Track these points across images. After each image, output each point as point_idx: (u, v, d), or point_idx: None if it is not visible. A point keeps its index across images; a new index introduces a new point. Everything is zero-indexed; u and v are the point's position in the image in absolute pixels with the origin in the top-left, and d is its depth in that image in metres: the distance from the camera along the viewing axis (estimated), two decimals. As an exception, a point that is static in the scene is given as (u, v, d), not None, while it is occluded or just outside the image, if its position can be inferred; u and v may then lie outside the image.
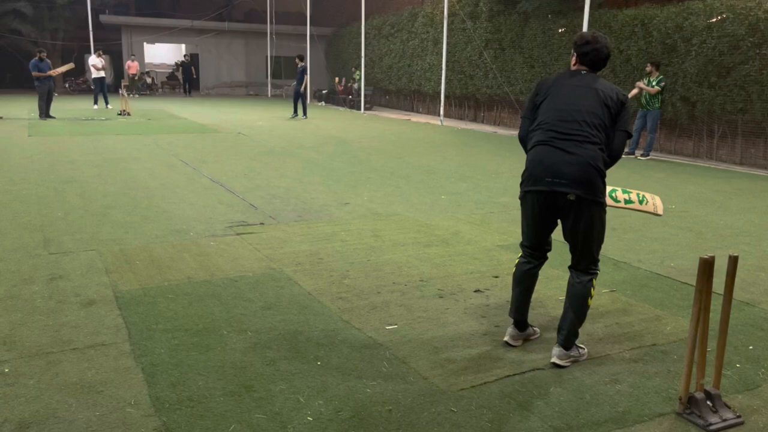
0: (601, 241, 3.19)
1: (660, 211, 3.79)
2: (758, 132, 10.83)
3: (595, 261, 3.20)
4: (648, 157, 11.26)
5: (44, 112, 15.78)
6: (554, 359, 3.18)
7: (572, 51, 3.32)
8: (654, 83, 10.90)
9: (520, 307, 3.39)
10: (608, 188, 3.39)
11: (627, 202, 3.66)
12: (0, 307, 3.78)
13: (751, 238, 5.87)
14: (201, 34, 29.99)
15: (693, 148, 12.10)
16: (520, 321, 3.42)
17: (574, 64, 3.30)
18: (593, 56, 3.21)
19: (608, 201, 3.42)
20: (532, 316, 3.76)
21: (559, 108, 3.14)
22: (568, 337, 3.17)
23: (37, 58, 16.13)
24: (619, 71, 12.85)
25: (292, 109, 18.32)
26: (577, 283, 3.18)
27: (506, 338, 3.45)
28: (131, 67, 26.78)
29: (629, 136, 3.18)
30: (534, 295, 4.14)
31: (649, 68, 11.03)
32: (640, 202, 3.72)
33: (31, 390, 2.83)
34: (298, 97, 18.18)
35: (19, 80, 27.55)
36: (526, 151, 3.29)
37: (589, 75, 3.22)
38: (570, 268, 3.25)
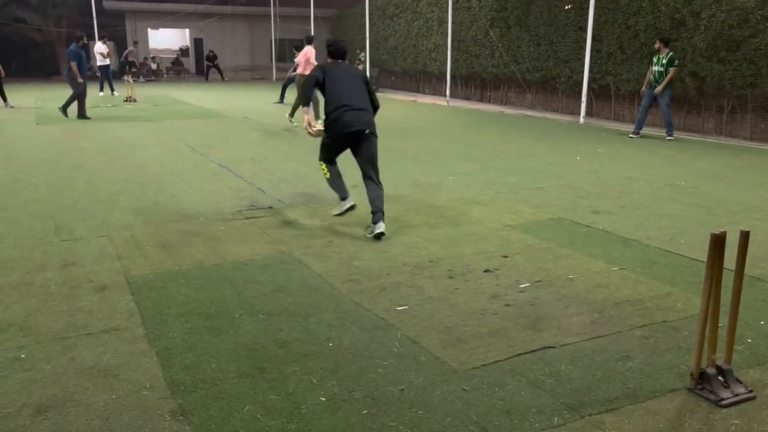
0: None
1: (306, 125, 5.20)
2: (768, 106, 10.71)
3: (378, 171, 5.15)
4: (673, 137, 10.76)
5: (82, 112, 13.07)
6: (382, 230, 4.90)
7: (327, 51, 5.32)
8: (664, 61, 10.50)
9: (345, 187, 5.31)
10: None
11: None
12: (15, 293, 3.82)
13: (762, 213, 5.84)
14: (204, 18, 29.84)
15: (702, 124, 11.99)
16: (347, 195, 5.30)
17: (329, 58, 5.29)
18: (339, 51, 5.28)
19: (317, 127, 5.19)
20: (541, 295, 3.77)
21: (345, 86, 5.03)
22: (382, 214, 4.99)
23: (79, 44, 12.84)
24: (626, 47, 12.71)
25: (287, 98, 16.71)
26: (378, 186, 5.07)
27: (348, 206, 5.27)
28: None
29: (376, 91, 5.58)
30: (542, 274, 4.17)
31: (657, 45, 10.67)
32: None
33: (47, 375, 2.87)
34: (290, 83, 16.39)
35: (25, 68, 27.55)
36: (308, 101, 5.09)
37: (344, 63, 5.30)
38: (368, 178, 5.08)
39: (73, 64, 12.63)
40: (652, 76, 10.64)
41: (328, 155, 5.23)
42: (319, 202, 6.18)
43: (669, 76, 10.40)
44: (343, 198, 5.29)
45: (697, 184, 7.14)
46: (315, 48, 12.51)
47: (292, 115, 12.40)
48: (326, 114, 5.03)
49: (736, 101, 11.22)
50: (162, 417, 2.55)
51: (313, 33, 24.22)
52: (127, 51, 26.27)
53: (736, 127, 11.38)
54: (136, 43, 28.06)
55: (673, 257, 4.57)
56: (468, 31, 18.00)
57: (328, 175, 5.28)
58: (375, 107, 5.18)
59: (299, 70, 12.40)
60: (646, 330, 3.36)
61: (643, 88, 10.87)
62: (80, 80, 12.75)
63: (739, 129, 11.31)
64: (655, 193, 6.63)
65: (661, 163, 8.50)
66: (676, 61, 10.50)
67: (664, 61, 10.41)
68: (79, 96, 13.00)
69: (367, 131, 4.96)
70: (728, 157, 9.14)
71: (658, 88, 10.49)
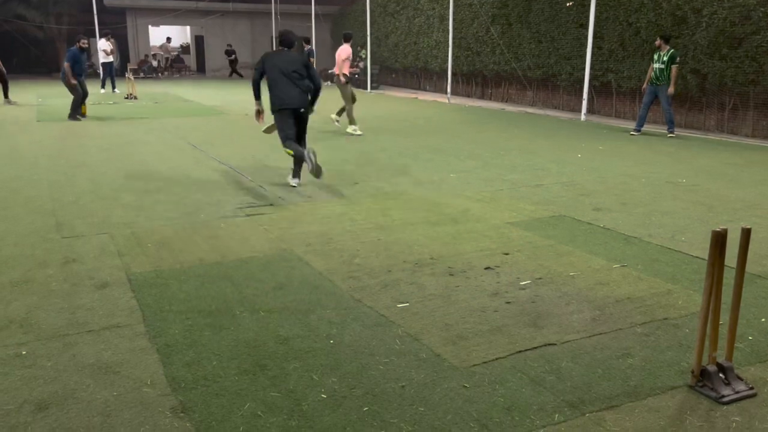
0: None
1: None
2: (770, 104, 10.68)
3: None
4: (674, 134, 10.75)
5: (77, 112, 12.62)
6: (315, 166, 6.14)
7: (276, 40, 6.40)
8: (665, 58, 10.45)
9: (303, 151, 6.27)
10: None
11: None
12: (16, 290, 3.83)
13: (763, 210, 5.83)
14: (205, 15, 29.80)
15: (704, 121, 11.97)
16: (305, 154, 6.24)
17: (280, 46, 6.42)
18: (286, 41, 6.45)
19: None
20: (542, 292, 3.77)
21: (283, 69, 6.26)
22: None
23: (77, 47, 12.55)
24: (627, 44, 12.69)
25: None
26: (308, 146, 6.55)
27: (312, 162, 6.12)
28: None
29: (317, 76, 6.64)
30: (543, 272, 4.16)
31: (658, 42, 10.62)
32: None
33: (49, 371, 2.88)
34: None
35: (26, 65, 27.52)
36: (258, 91, 6.54)
37: (288, 51, 6.43)
38: (299, 143, 6.48)
39: (67, 65, 12.30)
40: (653, 74, 10.58)
41: (287, 133, 6.37)
42: (320, 200, 6.18)
43: (673, 74, 10.37)
44: (304, 159, 6.28)
45: (698, 181, 7.13)
46: (351, 46, 11.65)
47: (339, 114, 11.71)
48: (270, 96, 6.30)
49: (737, 98, 11.20)
50: (163, 414, 2.55)
51: (314, 31, 24.29)
52: (161, 46, 26.66)
53: (737, 125, 11.36)
54: (169, 39, 28.55)
55: (674, 254, 4.57)
56: (469, 28, 17.97)
57: (292, 152, 6.36)
58: (316, 87, 6.47)
59: (335, 70, 11.70)
60: (646, 327, 3.36)
61: (644, 86, 10.84)
62: (74, 82, 12.36)
63: (741, 126, 11.29)
64: (657, 190, 6.63)
65: (662, 160, 8.49)
66: (678, 58, 10.45)
67: (665, 58, 10.35)
68: (78, 97, 12.64)
69: (302, 110, 6.39)
70: (730, 154, 9.12)
71: (670, 89, 10.42)
